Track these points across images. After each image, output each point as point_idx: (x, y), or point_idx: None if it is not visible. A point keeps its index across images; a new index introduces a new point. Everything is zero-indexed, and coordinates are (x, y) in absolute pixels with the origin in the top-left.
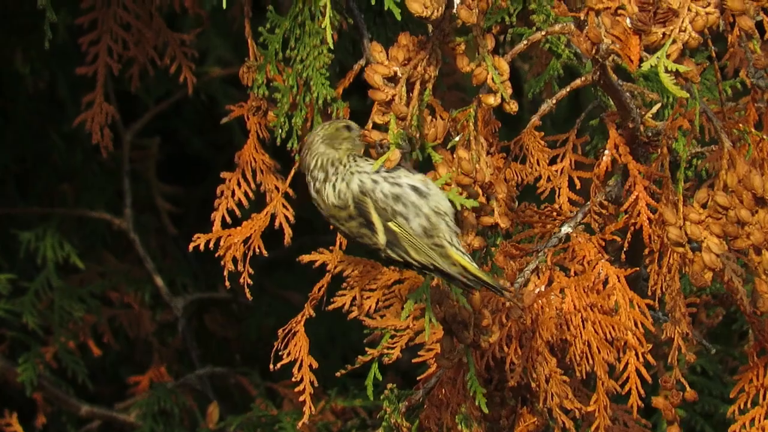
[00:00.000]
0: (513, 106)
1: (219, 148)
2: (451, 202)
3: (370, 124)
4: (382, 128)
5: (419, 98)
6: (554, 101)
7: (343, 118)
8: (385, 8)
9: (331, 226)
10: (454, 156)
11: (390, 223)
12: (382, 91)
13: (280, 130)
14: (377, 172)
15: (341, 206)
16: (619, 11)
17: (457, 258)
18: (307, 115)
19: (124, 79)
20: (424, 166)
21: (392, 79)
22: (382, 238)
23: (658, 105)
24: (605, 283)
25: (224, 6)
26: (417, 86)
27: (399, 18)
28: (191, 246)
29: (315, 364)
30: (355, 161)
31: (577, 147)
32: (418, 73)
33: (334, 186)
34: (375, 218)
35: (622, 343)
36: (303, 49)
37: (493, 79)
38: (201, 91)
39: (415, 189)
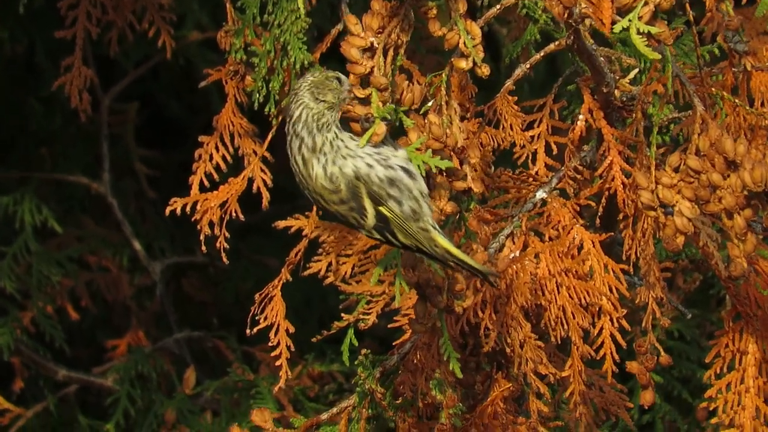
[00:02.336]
0: (485, 70)
1: (197, 112)
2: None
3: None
4: (364, 101)
5: (392, 64)
6: (528, 66)
7: (335, 71)
8: None
9: (311, 201)
10: (425, 121)
11: (381, 208)
12: (360, 65)
13: (257, 95)
14: (363, 148)
15: (332, 190)
16: None
17: (441, 243)
18: (284, 80)
19: (102, 43)
20: (397, 131)
21: (369, 50)
22: (371, 221)
23: (636, 70)
24: (580, 248)
25: None
26: (390, 53)
27: None
28: (168, 210)
29: (291, 329)
30: (343, 141)
31: (554, 112)
32: (392, 41)
33: (324, 168)
34: (367, 203)
35: (597, 309)
36: (280, 14)
37: (465, 43)
38: (179, 55)
39: (406, 171)
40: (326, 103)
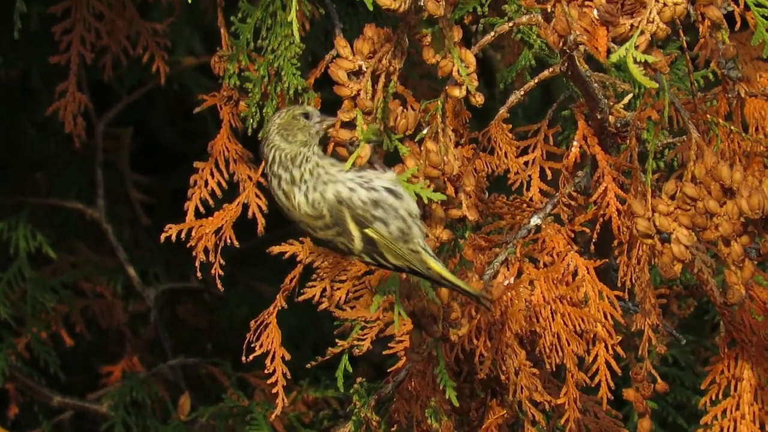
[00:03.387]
0: (479, 99)
1: (192, 138)
2: (418, 198)
3: (338, 124)
4: (349, 126)
5: (384, 90)
6: (523, 92)
7: (303, 105)
8: None
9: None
10: (422, 148)
11: (367, 230)
12: (347, 87)
13: (251, 120)
14: (348, 171)
15: (316, 216)
16: (587, 3)
17: (433, 266)
18: (278, 105)
19: (97, 69)
20: (392, 157)
21: (358, 73)
22: (358, 245)
23: (629, 96)
24: (574, 274)
25: None
26: (381, 79)
27: (371, 8)
28: (163, 236)
29: (287, 356)
30: (324, 168)
31: (549, 138)
32: (383, 66)
33: (306, 195)
34: (352, 227)
35: (592, 335)
36: (274, 39)
37: (458, 71)
38: (174, 80)
39: (390, 192)
40: (298, 142)
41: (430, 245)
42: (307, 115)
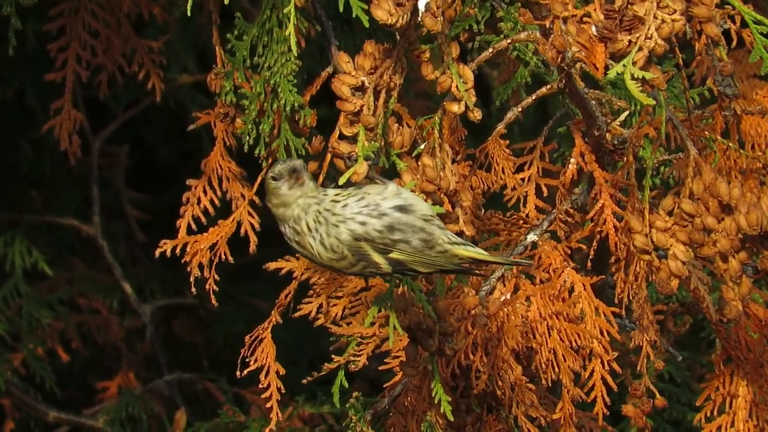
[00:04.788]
0: (477, 114)
1: (187, 156)
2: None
3: (336, 134)
4: (350, 140)
5: (384, 107)
6: (520, 109)
7: (272, 166)
8: (353, 15)
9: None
10: (419, 163)
11: (392, 254)
12: (350, 102)
13: (247, 137)
14: (346, 193)
15: (338, 258)
16: (585, 19)
17: (463, 254)
18: (274, 122)
19: (92, 86)
20: (389, 173)
21: (359, 89)
22: (387, 269)
23: (626, 113)
24: (571, 291)
25: (188, 13)
26: (382, 95)
27: (367, 25)
28: (158, 252)
29: (282, 371)
30: (329, 210)
31: (545, 155)
32: (384, 82)
33: (322, 243)
34: (376, 257)
35: (588, 351)
36: (270, 56)
37: (457, 87)
38: (169, 98)
39: (400, 209)
40: (278, 204)
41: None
42: (275, 178)
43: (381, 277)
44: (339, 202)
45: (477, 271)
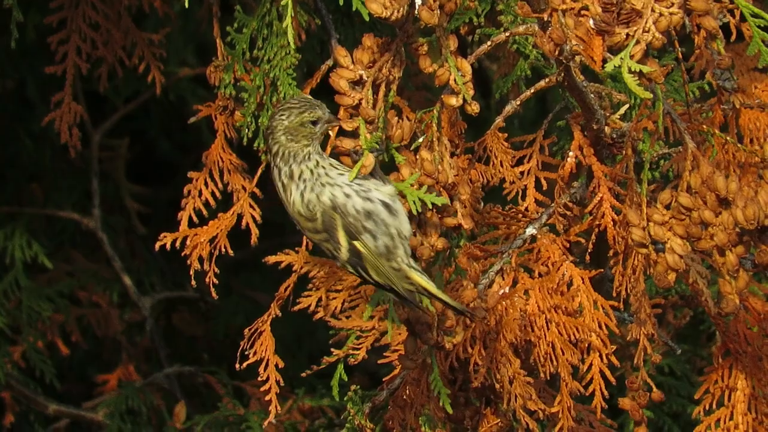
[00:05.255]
0: (474, 107)
1: (188, 148)
2: (409, 217)
3: (335, 130)
4: (351, 134)
5: (384, 100)
6: (518, 102)
7: (314, 108)
8: (353, 9)
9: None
10: (417, 157)
11: (356, 242)
12: (349, 96)
13: (246, 130)
14: (344, 177)
15: (308, 217)
16: (583, 12)
17: (416, 279)
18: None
19: (92, 79)
20: (387, 167)
21: (358, 83)
22: (344, 255)
23: (626, 106)
24: (569, 284)
25: (186, 5)
26: (382, 88)
27: (367, 18)
28: (158, 245)
29: (281, 364)
30: (325, 169)
31: (544, 148)
32: (383, 75)
33: (302, 194)
34: (341, 236)
35: (586, 345)
36: (270, 49)
37: (455, 80)
38: (170, 91)
39: (386, 206)
40: (302, 142)
41: (425, 253)
42: (315, 122)
43: (333, 260)
44: (337, 170)
45: (419, 308)
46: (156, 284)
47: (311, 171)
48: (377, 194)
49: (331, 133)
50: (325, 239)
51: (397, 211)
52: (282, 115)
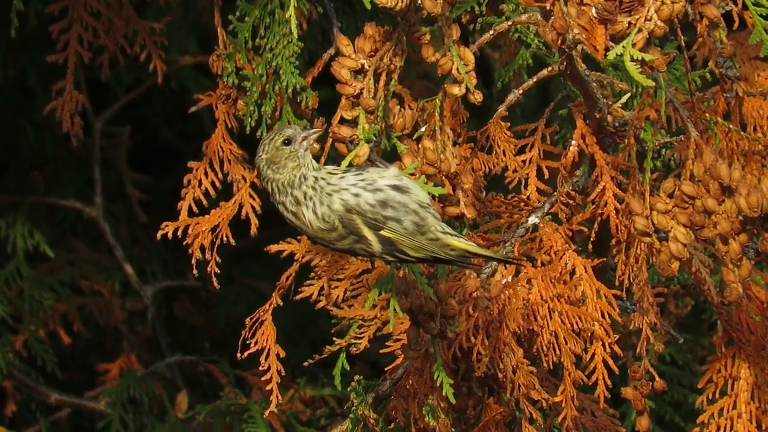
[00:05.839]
0: (477, 96)
1: (190, 137)
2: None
3: (337, 118)
4: (351, 123)
5: (385, 89)
6: (521, 91)
7: (282, 130)
8: None
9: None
10: (419, 146)
11: (382, 231)
12: (350, 85)
13: (249, 119)
14: (347, 170)
15: (328, 229)
16: (585, 1)
17: (456, 244)
18: (276, 104)
19: (94, 68)
20: (391, 155)
21: (360, 72)
22: (377, 247)
23: (628, 95)
24: (572, 273)
25: None
26: (383, 77)
27: (369, 7)
28: (159, 234)
29: (282, 353)
30: (325, 179)
31: (546, 137)
32: (384, 64)
33: (314, 211)
34: (366, 232)
35: (589, 334)
36: (272, 38)
37: (458, 69)
38: (171, 79)
39: (396, 188)
40: (289, 168)
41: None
42: (288, 141)
43: (370, 258)
44: (336, 174)
45: (469, 265)
46: (157, 273)
47: (313, 188)
48: (383, 181)
49: (333, 123)
50: (354, 241)
51: (407, 187)
52: (259, 153)
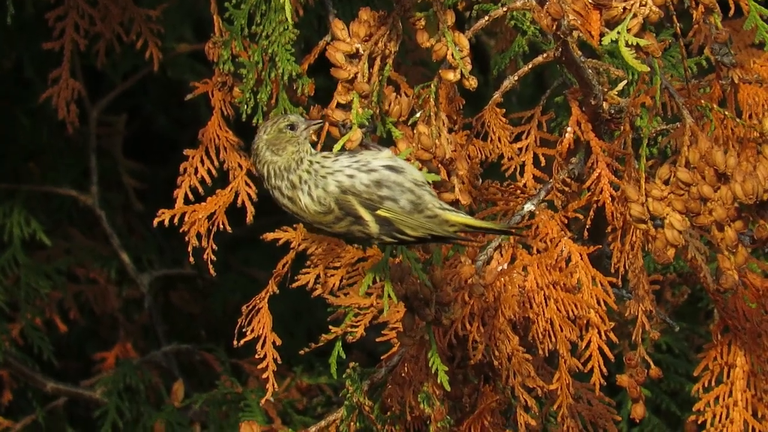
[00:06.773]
0: (472, 82)
1: (185, 125)
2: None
3: (334, 103)
4: (346, 107)
5: (379, 74)
6: (516, 78)
7: (286, 116)
8: None
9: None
10: (414, 132)
11: (379, 211)
12: (344, 69)
13: (245, 106)
14: (340, 153)
15: (325, 211)
16: None
17: (455, 219)
18: (272, 91)
19: (90, 55)
20: (386, 142)
21: (354, 56)
22: (374, 228)
23: (624, 82)
24: (568, 260)
25: None
26: (377, 62)
27: None
28: (156, 221)
29: (278, 341)
30: (319, 163)
31: (542, 124)
32: (378, 49)
33: (310, 195)
34: (362, 212)
35: (585, 321)
36: (268, 25)
37: (452, 54)
38: (167, 67)
39: (390, 168)
40: (288, 152)
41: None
42: (292, 126)
43: (367, 240)
44: (330, 158)
45: (470, 240)
46: (154, 261)
47: (308, 171)
48: (377, 162)
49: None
50: (351, 222)
51: (402, 167)
52: (260, 132)
